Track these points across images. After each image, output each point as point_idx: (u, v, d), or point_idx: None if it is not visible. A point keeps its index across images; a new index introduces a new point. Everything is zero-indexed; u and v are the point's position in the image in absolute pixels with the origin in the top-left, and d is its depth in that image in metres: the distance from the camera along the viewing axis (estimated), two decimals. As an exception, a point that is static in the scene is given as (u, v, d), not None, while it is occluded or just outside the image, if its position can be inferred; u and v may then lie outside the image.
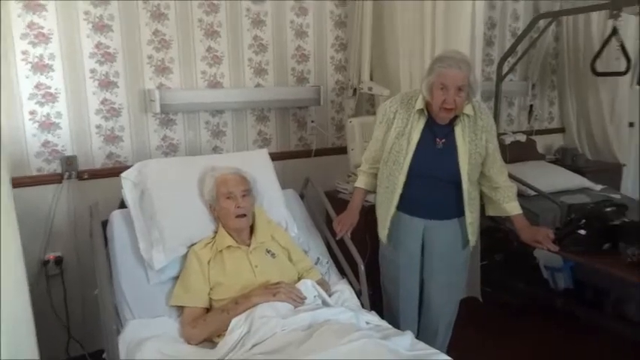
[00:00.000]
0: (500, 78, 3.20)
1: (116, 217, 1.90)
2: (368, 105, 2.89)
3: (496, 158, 1.92)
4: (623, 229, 1.87)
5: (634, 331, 2.24)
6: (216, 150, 2.54)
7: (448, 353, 1.62)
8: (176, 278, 1.77)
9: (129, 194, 1.89)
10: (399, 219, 1.96)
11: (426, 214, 1.92)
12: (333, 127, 2.89)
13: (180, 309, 1.70)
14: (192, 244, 1.80)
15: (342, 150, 2.78)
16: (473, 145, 1.84)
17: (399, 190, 1.90)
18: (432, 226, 1.93)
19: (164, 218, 1.80)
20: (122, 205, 1.98)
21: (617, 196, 2.95)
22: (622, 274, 1.86)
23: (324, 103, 2.71)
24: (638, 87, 2.73)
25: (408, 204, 1.93)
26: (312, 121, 2.76)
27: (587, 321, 2.36)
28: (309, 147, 2.80)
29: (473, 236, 1.95)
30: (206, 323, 1.62)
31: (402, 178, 1.88)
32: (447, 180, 1.87)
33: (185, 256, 1.78)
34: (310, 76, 2.75)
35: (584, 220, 1.95)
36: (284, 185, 2.18)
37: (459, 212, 1.91)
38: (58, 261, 2.19)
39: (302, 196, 2.30)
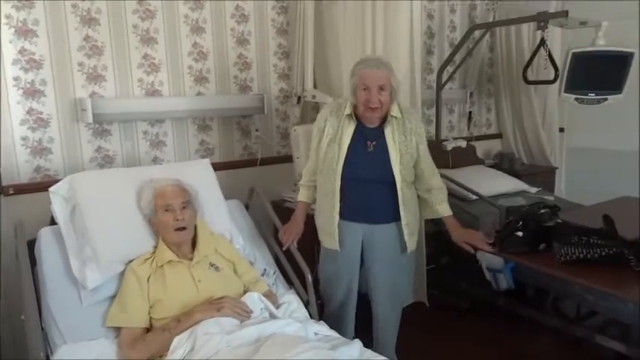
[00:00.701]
0: (440, 86, 3.30)
1: (45, 234, 1.77)
2: (313, 113, 2.88)
3: (427, 160, 1.97)
4: (556, 229, 1.96)
5: (572, 327, 2.34)
6: (156, 161, 2.43)
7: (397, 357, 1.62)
8: (113, 298, 1.67)
9: (59, 210, 1.76)
10: (339, 225, 1.96)
11: (364, 219, 1.94)
12: (279, 135, 2.85)
13: (118, 329, 1.60)
14: (130, 261, 1.70)
15: (288, 158, 2.75)
16: (403, 146, 1.88)
17: (337, 197, 1.91)
18: (371, 230, 1.95)
19: (98, 234, 1.70)
20: (52, 221, 1.85)
21: (551, 198, 3.10)
22: (555, 273, 1.95)
23: (268, 112, 2.68)
24: (565, 95, 2.89)
25: (345, 210, 1.93)
26: (257, 130, 2.72)
27: (530, 319, 2.45)
28: (254, 156, 2.75)
29: (410, 237, 1.96)
30: (146, 344, 1.53)
31: (338, 184, 1.90)
32: (380, 182, 1.89)
33: (122, 274, 1.68)
34: (253, 84, 2.71)
35: (520, 222, 2.02)
36: (229, 196, 2.12)
37: (397, 216, 1.93)
38: (-20, 285, 2.01)
39: (247, 207, 2.25)
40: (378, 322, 2.05)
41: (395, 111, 1.87)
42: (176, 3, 2.38)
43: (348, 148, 1.87)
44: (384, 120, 1.87)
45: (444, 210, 2.00)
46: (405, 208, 1.92)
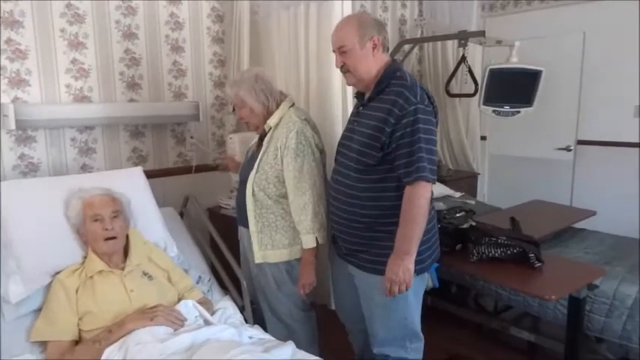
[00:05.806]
0: (372, 96, 3.44)
1: (-38, 247, 1.69)
2: (249, 121, 2.91)
3: (289, 175, 1.81)
4: (469, 231, 2.13)
5: (490, 321, 2.55)
6: (85, 168, 2.37)
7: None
8: (38, 311, 1.62)
9: (-22, 222, 1.69)
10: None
11: (239, 222, 2.01)
12: (215, 142, 2.86)
13: (45, 344, 1.56)
14: (58, 272, 1.66)
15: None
16: (265, 156, 1.86)
17: None
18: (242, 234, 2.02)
19: (22, 246, 1.65)
20: (-30, 233, 1.76)
21: (472, 202, 3.33)
22: (467, 271, 2.12)
23: (203, 119, 2.68)
24: (483, 107, 3.13)
25: None
26: (192, 137, 2.72)
27: (454, 315, 2.63)
28: (189, 163, 2.74)
29: (260, 249, 1.88)
30: (75, 357, 1.50)
31: None
32: (243, 181, 1.92)
33: (49, 286, 1.64)
34: (188, 92, 2.70)
35: (439, 225, 2.17)
36: (165, 203, 2.12)
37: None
38: None
39: (182, 214, 2.25)
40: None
41: (272, 120, 1.88)
42: (107, 8, 2.34)
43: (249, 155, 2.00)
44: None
45: (303, 241, 1.83)
46: (253, 215, 1.87)
